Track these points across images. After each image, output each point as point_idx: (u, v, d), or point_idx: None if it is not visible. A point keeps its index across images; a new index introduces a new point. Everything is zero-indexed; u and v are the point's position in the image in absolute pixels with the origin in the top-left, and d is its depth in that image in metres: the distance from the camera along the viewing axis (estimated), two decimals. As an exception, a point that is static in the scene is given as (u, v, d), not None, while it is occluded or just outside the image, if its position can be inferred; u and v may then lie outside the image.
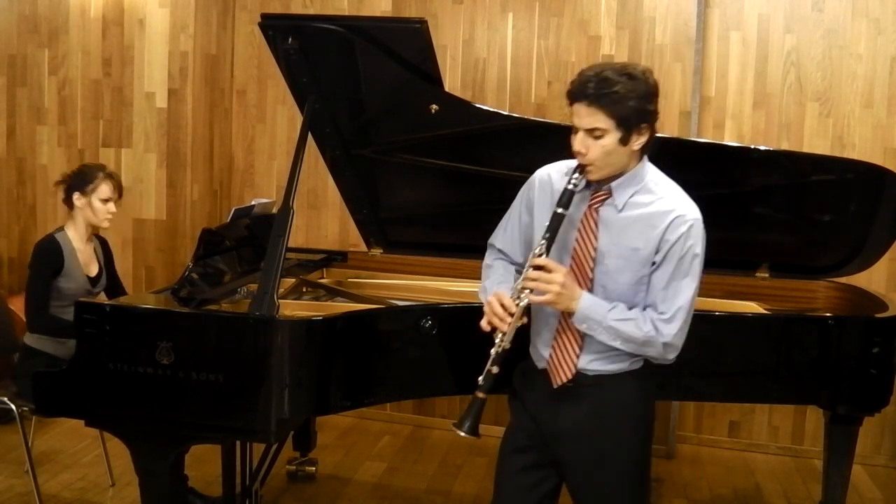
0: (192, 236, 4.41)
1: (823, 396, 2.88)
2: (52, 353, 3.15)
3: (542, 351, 2.14)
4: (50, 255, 3.18)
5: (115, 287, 3.44)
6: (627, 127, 1.95)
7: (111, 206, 3.27)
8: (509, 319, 2.00)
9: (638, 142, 1.99)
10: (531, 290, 2.00)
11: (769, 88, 4.09)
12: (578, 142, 1.98)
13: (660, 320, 2.01)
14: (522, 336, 2.12)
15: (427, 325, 2.67)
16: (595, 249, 2.05)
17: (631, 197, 2.04)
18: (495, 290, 2.10)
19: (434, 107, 2.92)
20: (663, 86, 4.12)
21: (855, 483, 3.70)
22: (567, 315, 2.05)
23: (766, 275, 3.26)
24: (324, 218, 4.64)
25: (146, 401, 2.46)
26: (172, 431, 2.50)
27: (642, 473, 2.18)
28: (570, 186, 2.01)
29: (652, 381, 2.18)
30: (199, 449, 2.67)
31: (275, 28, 2.82)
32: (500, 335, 2.01)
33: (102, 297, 3.34)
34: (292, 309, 2.82)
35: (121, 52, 4.47)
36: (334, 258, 3.77)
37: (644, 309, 2.05)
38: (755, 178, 3.05)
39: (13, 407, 3.15)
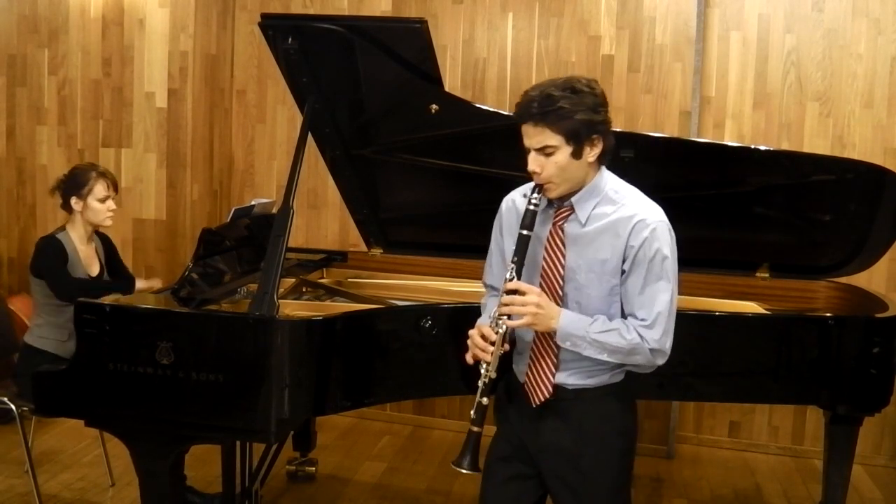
0: (192, 236, 4.41)
1: (823, 396, 2.88)
2: (54, 353, 3.15)
3: (523, 367, 2.14)
4: (55, 249, 3.20)
5: (118, 275, 3.46)
6: (578, 140, 1.95)
7: (110, 204, 3.27)
8: (491, 349, 1.99)
9: (592, 153, 1.99)
10: (509, 316, 1.99)
11: (769, 88, 4.09)
12: (532, 161, 1.99)
13: (642, 327, 2.00)
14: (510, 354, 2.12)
15: (427, 325, 2.67)
16: (564, 267, 2.04)
17: (593, 209, 2.04)
18: (478, 322, 2.10)
19: (434, 107, 2.92)
20: (663, 86, 4.21)
21: (855, 483, 3.70)
22: (549, 335, 2.04)
23: (766, 275, 3.26)
24: (324, 218, 4.64)
25: (146, 401, 2.46)
26: (172, 431, 2.50)
27: (626, 483, 2.19)
28: (531, 207, 2.01)
29: (632, 392, 2.17)
30: (199, 449, 2.66)
31: (275, 28, 2.82)
32: (484, 365, 2.00)
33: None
34: (292, 309, 2.82)
35: (121, 52, 4.48)
36: (334, 258, 3.77)
37: (625, 319, 2.04)
38: (755, 178, 3.05)
39: (13, 407, 3.15)
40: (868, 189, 2.97)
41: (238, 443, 2.85)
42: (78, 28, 4.54)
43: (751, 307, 3.16)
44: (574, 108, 1.92)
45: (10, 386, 3.25)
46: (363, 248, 3.71)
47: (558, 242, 2.05)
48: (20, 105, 4.67)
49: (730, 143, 3.96)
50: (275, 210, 2.85)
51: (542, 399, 2.08)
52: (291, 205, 2.67)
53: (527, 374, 2.10)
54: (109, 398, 2.50)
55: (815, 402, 2.98)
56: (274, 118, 4.68)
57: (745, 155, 3.16)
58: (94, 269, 3.33)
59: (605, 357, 2.01)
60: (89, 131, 4.58)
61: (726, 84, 4.14)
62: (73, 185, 3.25)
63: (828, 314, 3.01)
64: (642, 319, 2.00)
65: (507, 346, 2.03)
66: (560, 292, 2.05)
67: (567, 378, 2.08)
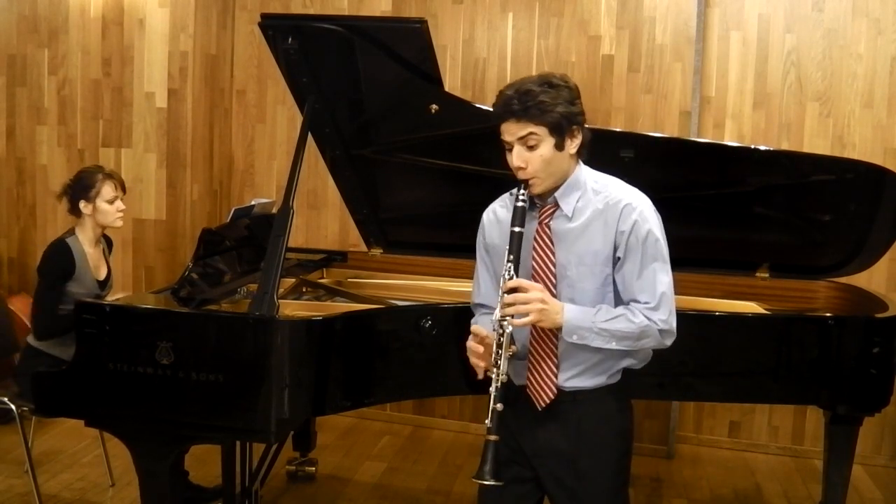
0: (192, 236, 4.41)
1: (823, 396, 2.87)
2: (56, 356, 3.14)
3: (520, 369, 2.12)
4: (62, 260, 3.16)
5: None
6: (560, 132, 1.98)
7: (119, 204, 3.25)
8: (495, 351, 1.95)
9: (573, 145, 2.01)
10: (512, 316, 1.96)
11: (769, 88, 4.09)
12: (516, 157, 2.00)
13: (647, 309, 2.00)
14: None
15: (427, 325, 2.67)
16: (554, 264, 2.04)
17: (578, 202, 2.04)
18: (470, 338, 2.04)
19: (434, 107, 2.92)
20: (663, 86, 4.21)
21: (855, 483, 3.70)
22: (546, 335, 2.03)
23: (766, 275, 3.26)
24: (324, 218, 4.64)
25: (146, 401, 2.46)
26: (172, 431, 2.50)
27: (624, 484, 2.19)
28: (520, 203, 2.01)
29: (629, 393, 2.16)
30: (199, 449, 2.67)
31: (275, 28, 2.82)
32: (493, 371, 1.96)
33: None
34: (292, 309, 2.82)
35: (121, 51, 4.48)
36: (334, 258, 3.77)
37: (628, 304, 2.04)
38: (755, 178, 3.05)
39: (13, 407, 3.15)
40: (868, 189, 2.97)
41: (238, 443, 2.85)
42: (78, 28, 4.54)
43: (751, 307, 3.16)
44: (554, 102, 1.95)
45: (11, 386, 3.25)
46: (363, 248, 3.71)
47: (546, 240, 2.05)
48: (20, 105, 4.67)
49: (730, 143, 3.96)
50: (275, 210, 2.85)
51: (548, 401, 2.07)
52: (291, 205, 2.67)
53: (528, 377, 2.09)
54: (109, 398, 2.50)
55: (815, 402, 2.98)
56: (274, 118, 4.68)
57: (745, 155, 3.16)
58: (102, 272, 3.31)
59: (613, 346, 2.00)
60: (89, 131, 4.58)
61: (726, 84, 4.14)
62: (80, 188, 3.22)
63: (828, 314, 3.00)
64: (646, 302, 2.00)
65: (514, 348, 2.00)
66: (554, 290, 2.04)
67: (566, 381, 2.07)
